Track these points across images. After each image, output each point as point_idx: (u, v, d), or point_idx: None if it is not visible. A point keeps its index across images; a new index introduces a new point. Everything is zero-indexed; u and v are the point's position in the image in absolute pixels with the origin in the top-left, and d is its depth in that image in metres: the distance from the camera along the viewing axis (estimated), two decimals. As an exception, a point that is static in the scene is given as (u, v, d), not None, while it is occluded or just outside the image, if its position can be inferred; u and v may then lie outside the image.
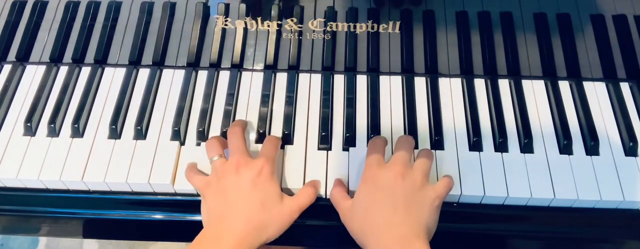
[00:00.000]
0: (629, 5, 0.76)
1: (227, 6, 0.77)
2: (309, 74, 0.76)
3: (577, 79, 0.75)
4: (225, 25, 0.77)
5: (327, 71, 0.76)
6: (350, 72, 0.75)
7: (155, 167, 0.67)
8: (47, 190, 0.68)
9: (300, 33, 0.76)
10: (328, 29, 0.76)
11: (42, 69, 0.77)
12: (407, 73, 0.76)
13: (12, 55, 0.78)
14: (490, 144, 0.70)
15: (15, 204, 0.69)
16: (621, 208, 0.66)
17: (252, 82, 0.75)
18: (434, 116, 0.71)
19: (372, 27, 0.76)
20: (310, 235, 0.69)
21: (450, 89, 0.75)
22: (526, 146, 0.69)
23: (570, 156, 0.68)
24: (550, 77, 0.75)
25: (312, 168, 0.67)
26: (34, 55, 0.78)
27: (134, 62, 0.77)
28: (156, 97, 0.74)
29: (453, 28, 0.76)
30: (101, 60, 0.77)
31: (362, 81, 0.75)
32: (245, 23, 0.77)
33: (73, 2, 0.79)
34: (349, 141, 0.69)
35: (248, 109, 0.73)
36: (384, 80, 0.75)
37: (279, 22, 0.76)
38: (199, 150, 0.69)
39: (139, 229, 0.71)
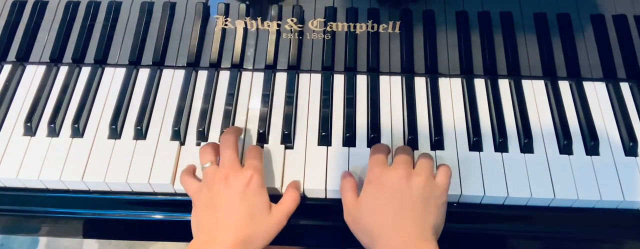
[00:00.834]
0: (629, 5, 0.76)
1: (227, 6, 0.77)
2: (309, 74, 0.76)
3: (577, 79, 0.75)
4: (225, 25, 0.77)
5: (327, 71, 0.76)
6: (350, 72, 0.76)
7: (155, 167, 0.67)
8: (47, 190, 0.68)
9: (300, 33, 0.76)
10: (328, 29, 0.76)
11: (42, 69, 0.77)
12: (407, 73, 0.76)
13: (12, 55, 0.78)
14: (490, 144, 0.70)
15: (15, 204, 0.69)
16: (621, 208, 0.66)
17: (252, 82, 0.75)
18: (434, 116, 0.71)
19: (372, 27, 0.76)
20: (310, 235, 0.69)
21: (450, 89, 0.75)
22: (526, 146, 0.69)
23: (570, 156, 0.68)
24: (550, 77, 0.75)
25: (311, 168, 0.67)
26: (34, 55, 0.78)
27: (134, 62, 0.77)
28: (156, 97, 0.74)
29: (453, 28, 0.76)
30: (101, 60, 0.77)
31: (362, 81, 0.75)
32: (245, 23, 0.77)
33: (73, 2, 0.79)
34: (349, 141, 0.69)
35: (248, 109, 0.73)
36: (384, 80, 0.75)
37: (279, 22, 0.76)
38: (198, 150, 0.69)
39: (139, 229, 0.71)
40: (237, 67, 0.76)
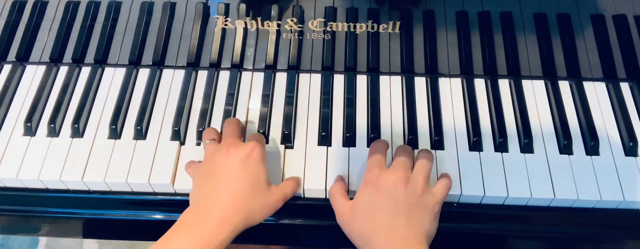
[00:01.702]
0: (629, 5, 0.76)
1: (227, 6, 0.77)
2: (309, 74, 0.76)
3: (577, 79, 0.75)
4: (225, 25, 0.77)
5: (327, 71, 0.76)
6: (350, 72, 0.76)
7: (155, 167, 0.67)
8: (47, 190, 0.68)
9: (300, 33, 0.76)
10: (328, 29, 0.76)
11: (42, 69, 0.77)
12: (407, 73, 0.76)
13: (12, 55, 0.78)
14: (490, 144, 0.70)
15: (15, 204, 0.69)
16: (621, 208, 0.66)
17: (252, 82, 0.75)
18: (434, 116, 0.71)
19: (372, 27, 0.76)
20: (310, 235, 0.69)
21: (450, 89, 0.75)
22: (526, 146, 0.69)
23: (570, 156, 0.68)
24: (550, 77, 0.75)
25: (311, 168, 0.67)
26: (34, 55, 0.78)
27: (134, 62, 0.77)
28: (156, 97, 0.74)
29: (453, 28, 0.76)
30: (101, 60, 0.77)
31: (362, 81, 0.75)
32: (245, 23, 0.77)
33: (73, 2, 0.79)
34: (349, 141, 0.69)
35: (248, 109, 0.73)
36: (384, 80, 0.75)
37: (279, 22, 0.76)
38: (199, 150, 0.69)
39: (139, 229, 0.71)
40: (237, 67, 0.76)
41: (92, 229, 0.71)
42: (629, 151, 0.69)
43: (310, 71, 0.76)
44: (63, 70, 0.77)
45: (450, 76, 0.76)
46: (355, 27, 0.76)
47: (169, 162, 0.68)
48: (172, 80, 0.76)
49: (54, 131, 0.71)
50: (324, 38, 0.76)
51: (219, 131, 0.70)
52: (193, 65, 0.77)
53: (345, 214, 0.62)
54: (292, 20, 0.76)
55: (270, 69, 0.76)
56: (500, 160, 0.68)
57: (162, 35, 0.77)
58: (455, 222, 0.66)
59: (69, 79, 0.75)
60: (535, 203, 0.66)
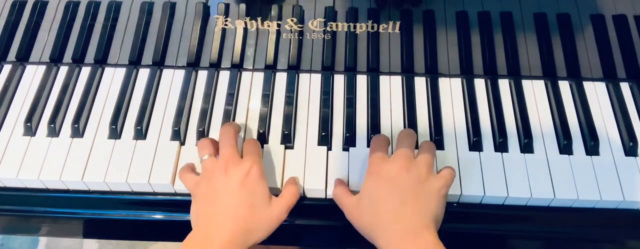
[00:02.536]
0: (629, 5, 0.76)
1: (227, 6, 0.77)
2: (309, 74, 0.76)
3: (577, 79, 0.75)
4: (225, 25, 0.77)
5: (327, 71, 0.76)
6: (350, 72, 0.76)
7: (155, 167, 0.67)
8: (47, 190, 0.68)
9: (300, 33, 0.76)
10: (328, 29, 0.76)
11: (42, 69, 0.77)
12: (407, 73, 0.76)
13: (12, 55, 0.78)
14: (490, 144, 0.70)
15: (15, 204, 0.69)
16: (621, 208, 0.66)
17: (252, 82, 0.75)
18: (434, 116, 0.71)
19: (372, 27, 0.76)
20: (310, 235, 0.69)
21: (450, 89, 0.75)
22: (526, 146, 0.69)
23: (570, 156, 0.68)
24: (550, 77, 0.75)
25: (311, 168, 0.67)
26: (34, 55, 0.78)
27: (134, 62, 0.77)
28: (156, 97, 0.74)
29: (453, 28, 0.76)
30: (101, 60, 0.77)
31: (362, 81, 0.75)
32: (245, 23, 0.77)
33: (73, 2, 0.79)
34: (349, 141, 0.69)
35: (248, 109, 0.73)
36: (384, 80, 0.75)
37: (279, 22, 0.76)
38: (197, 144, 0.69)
39: (139, 229, 0.71)
40: (237, 67, 0.76)
41: (92, 229, 0.71)
42: (629, 151, 0.69)
43: (310, 71, 0.76)
44: (63, 70, 0.77)
45: (450, 76, 0.76)
46: (355, 27, 0.76)
47: (169, 163, 0.68)
48: (172, 80, 0.76)
49: (54, 131, 0.71)
50: (324, 38, 0.76)
51: (219, 130, 0.70)
52: (193, 65, 0.77)
53: (353, 209, 0.62)
54: (292, 20, 0.76)
55: (270, 69, 0.76)
56: (500, 160, 0.68)
57: (162, 35, 0.77)
58: (455, 222, 0.66)
59: (69, 79, 0.75)
60: (535, 203, 0.66)
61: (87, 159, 0.68)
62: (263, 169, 0.63)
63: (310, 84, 0.75)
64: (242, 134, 0.70)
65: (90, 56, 0.77)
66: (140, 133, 0.70)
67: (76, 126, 0.70)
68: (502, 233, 0.69)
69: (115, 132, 0.70)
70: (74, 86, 0.76)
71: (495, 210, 0.67)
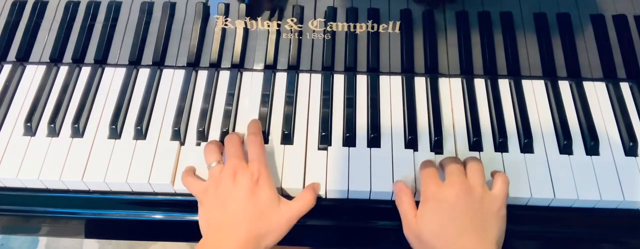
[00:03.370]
0: (629, 5, 0.76)
1: (227, 6, 0.77)
2: (309, 74, 0.76)
3: (577, 79, 0.75)
4: (225, 25, 0.77)
5: (327, 71, 0.76)
6: (350, 72, 0.76)
7: (155, 167, 0.67)
8: (47, 190, 0.68)
9: (300, 33, 0.76)
10: (328, 29, 0.76)
11: (42, 69, 0.77)
12: (407, 73, 0.76)
13: (12, 55, 0.78)
14: (490, 144, 0.69)
15: (15, 204, 0.69)
16: (621, 208, 0.66)
17: (252, 82, 0.75)
18: (434, 116, 0.71)
19: (372, 27, 0.76)
20: (310, 235, 0.69)
21: (450, 89, 0.75)
22: (526, 146, 0.69)
23: (570, 156, 0.68)
24: (550, 77, 0.75)
25: (312, 168, 0.67)
26: (34, 55, 0.78)
27: (134, 62, 0.77)
28: (156, 97, 0.74)
29: (453, 28, 0.76)
30: (101, 60, 0.77)
31: (362, 80, 0.75)
32: (245, 23, 0.77)
33: (73, 2, 0.79)
34: (349, 141, 0.69)
35: (248, 109, 0.73)
36: (384, 80, 0.75)
37: (279, 22, 0.76)
38: (199, 150, 0.69)
39: (139, 229, 0.71)
40: (237, 67, 0.76)
41: (92, 229, 0.71)
42: (629, 151, 0.69)
43: (310, 71, 0.76)
44: (63, 70, 0.77)
45: (450, 76, 0.76)
46: (355, 27, 0.76)
47: (169, 162, 0.68)
48: (172, 80, 0.76)
49: (54, 131, 0.71)
50: (324, 38, 0.76)
51: (219, 131, 0.70)
52: (193, 65, 0.77)
53: (412, 228, 0.61)
54: (292, 20, 0.76)
55: (270, 69, 0.76)
56: (500, 160, 0.68)
57: (162, 35, 0.77)
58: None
59: (69, 79, 0.75)
60: (535, 202, 0.66)
61: (87, 159, 0.68)
62: (270, 175, 0.63)
63: (310, 84, 0.75)
64: (242, 134, 0.70)
65: (90, 56, 0.77)
66: (140, 133, 0.70)
67: (76, 126, 0.70)
68: (502, 233, 0.69)
69: (115, 132, 0.70)
70: (74, 86, 0.76)
71: (495, 210, 0.67)
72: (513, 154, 0.68)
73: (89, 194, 0.68)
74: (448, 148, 0.69)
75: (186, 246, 1.43)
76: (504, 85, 0.75)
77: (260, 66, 0.77)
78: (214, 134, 0.71)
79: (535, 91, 0.74)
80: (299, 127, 0.71)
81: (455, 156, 0.66)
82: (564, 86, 0.75)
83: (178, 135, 0.70)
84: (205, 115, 0.71)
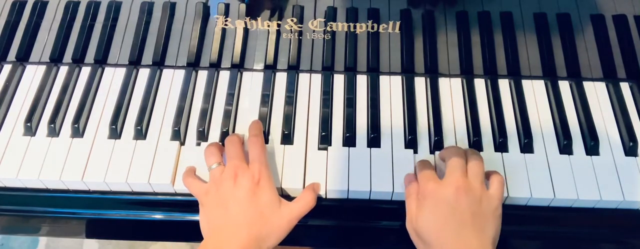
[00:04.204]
0: (629, 5, 0.76)
1: (227, 6, 0.77)
2: (309, 74, 0.76)
3: (577, 79, 0.75)
4: (225, 25, 0.77)
5: (327, 71, 0.76)
6: (350, 72, 0.76)
7: (155, 167, 0.67)
8: (47, 190, 0.68)
9: (300, 33, 0.76)
10: (328, 29, 0.76)
11: (42, 69, 0.77)
12: (407, 73, 0.76)
13: (12, 55, 0.78)
14: (490, 144, 0.70)
15: (15, 204, 0.69)
16: (621, 208, 0.66)
17: (252, 82, 0.75)
18: (434, 116, 0.71)
19: (372, 27, 0.76)
20: (310, 235, 0.69)
21: (450, 89, 0.75)
22: (526, 146, 0.69)
23: (570, 156, 0.68)
24: (550, 77, 0.75)
25: (311, 168, 0.67)
26: (34, 55, 0.78)
27: (134, 62, 0.77)
28: (156, 97, 0.74)
29: (453, 28, 0.76)
30: (101, 60, 0.77)
31: (362, 80, 0.75)
32: (245, 23, 0.77)
33: (73, 2, 0.79)
34: (349, 141, 0.69)
35: (248, 109, 0.73)
36: (384, 80, 0.75)
37: (279, 22, 0.76)
38: (199, 150, 0.69)
39: (139, 229, 0.71)
40: (237, 67, 0.76)
41: (92, 229, 0.71)
42: (629, 151, 0.69)
43: (310, 71, 0.76)
44: (63, 70, 0.77)
45: (450, 76, 0.76)
46: (355, 27, 0.76)
47: (169, 162, 0.68)
48: (172, 80, 0.76)
49: (54, 131, 0.71)
50: (324, 38, 0.76)
51: (219, 131, 0.70)
52: (193, 65, 0.77)
53: (412, 223, 0.61)
54: (292, 20, 0.76)
55: (270, 69, 0.76)
56: (500, 160, 0.68)
57: (162, 35, 0.77)
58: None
59: (69, 79, 0.75)
60: (535, 202, 0.66)
61: (87, 159, 0.68)
62: (271, 176, 0.63)
63: (310, 84, 0.75)
64: (242, 135, 0.70)
65: (90, 56, 0.77)
66: (140, 133, 0.70)
67: (76, 125, 0.70)
68: (502, 233, 0.68)
69: (115, 132, 0.70)
70: (74, 86, 0.76)
71: (495, 210, 0.67)
72: (513, 154, 0.68)
73: (89, 194, 0.68)
74: (448, 148, 0.69)
75: (186, 246, 1.43)
76: (504, 85, 0.75)
77: (260, 66, 0.77)
78: (214, 134, 0.71)
79: (535, 90, 0.74)
80: (299, 127, 0.71)
81: (458, 146, 0.66)
82: (564, 86, 0.75)
83: (178, 135, 0.70)
84: (205, 115, 0.71)
